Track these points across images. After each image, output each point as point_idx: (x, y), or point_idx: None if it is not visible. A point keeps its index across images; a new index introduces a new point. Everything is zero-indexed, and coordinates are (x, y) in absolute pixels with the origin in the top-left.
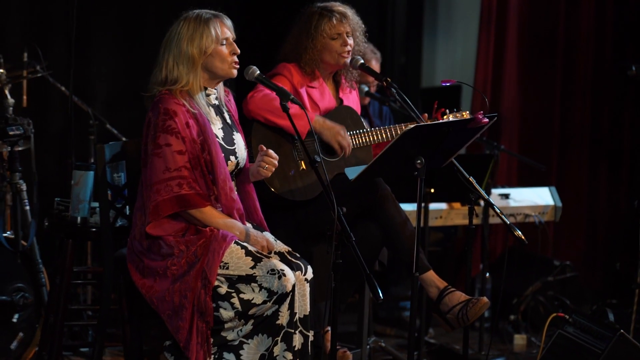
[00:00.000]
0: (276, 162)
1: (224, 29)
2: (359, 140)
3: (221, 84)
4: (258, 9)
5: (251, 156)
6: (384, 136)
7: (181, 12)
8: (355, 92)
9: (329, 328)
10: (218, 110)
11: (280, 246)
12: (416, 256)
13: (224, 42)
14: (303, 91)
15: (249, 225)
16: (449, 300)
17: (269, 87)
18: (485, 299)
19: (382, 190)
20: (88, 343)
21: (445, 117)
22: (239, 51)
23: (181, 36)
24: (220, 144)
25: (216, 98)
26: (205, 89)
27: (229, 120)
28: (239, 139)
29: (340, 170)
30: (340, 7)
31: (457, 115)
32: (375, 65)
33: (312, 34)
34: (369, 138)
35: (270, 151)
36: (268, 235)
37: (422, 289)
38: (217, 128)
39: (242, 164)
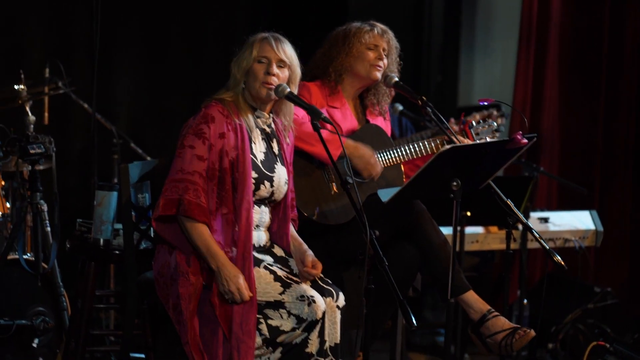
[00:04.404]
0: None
1: (266, 47)
2: (388, 161)
3: (288, 118)
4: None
5: None
6: (414, 153)
7: (205, 30)
8: (386, 120)
9: (361, 356)
10: (266, 136)
11: None
12: (452, 280)
13: (263, 60)
14: (324, 112)
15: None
16: (492, 325)
17: (300, 106)
18: (532, 331)
19: (418, 209)
20: None
21: (472, 129)
22: (274, 71)
23: (235, 57)
24: (258, 165)
25: (268, 125)
26: (255, 110)
27: (276, 150)
28: (282, 171)
29: (372, 191)
30: (383, 25)
31: (485, 126)
32: None
33: (350, 39)
34: (399, 157)
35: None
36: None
37: (457, 314)
38: (257, 149)
39: (277, 197)
